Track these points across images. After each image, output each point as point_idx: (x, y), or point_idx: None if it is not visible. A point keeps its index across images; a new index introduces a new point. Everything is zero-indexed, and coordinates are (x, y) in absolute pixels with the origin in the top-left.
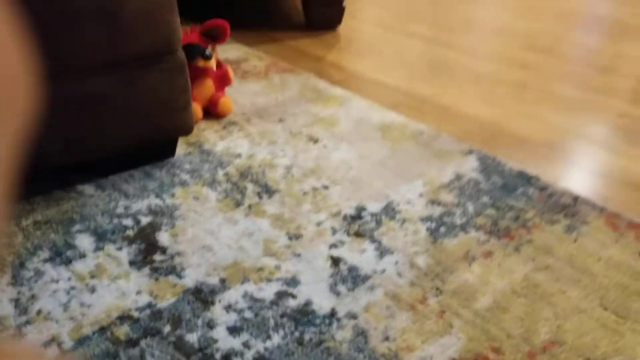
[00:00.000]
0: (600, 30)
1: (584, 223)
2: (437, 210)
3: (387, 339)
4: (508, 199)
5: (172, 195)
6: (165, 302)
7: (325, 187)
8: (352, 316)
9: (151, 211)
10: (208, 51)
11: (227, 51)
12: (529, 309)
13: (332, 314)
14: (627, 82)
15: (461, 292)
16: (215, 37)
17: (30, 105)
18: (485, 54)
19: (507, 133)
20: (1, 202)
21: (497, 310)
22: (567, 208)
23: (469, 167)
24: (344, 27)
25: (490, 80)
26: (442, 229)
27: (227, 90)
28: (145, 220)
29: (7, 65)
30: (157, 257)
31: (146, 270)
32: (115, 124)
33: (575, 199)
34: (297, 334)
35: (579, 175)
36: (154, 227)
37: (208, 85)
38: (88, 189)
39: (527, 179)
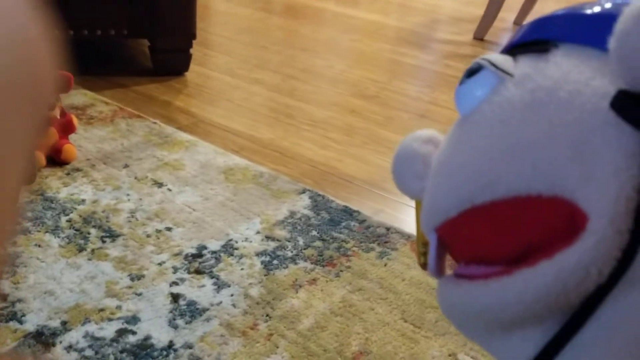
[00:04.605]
0: (420, 79)
1: (393, 249)
2: (271, 245)
3: None
4: (333, 232)
5: (13, 243)
6: (6, 347)
7: (169, 229)
8: (189, 346)
9: None
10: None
11: (73, 97)
12: (344, 325)
13: (170, 345)
14: (439, 126)
15: (288, 316)
16: (58, 88)
17: (50, 102)
18: (321, 101)
19: (336, 173)
20: (11, 202)
21: (317, 329)
22: (381, 237)
23: (302, 204)
24: (191, 74)
25: (325, 125)
26: (275, 262)
27: (72, 136)
28: None
29: (39, 60)
30: None
31: None
32: None
33: (388, 229)
34: None
35: (393, 209)
36: None
37: (51, 133)
38: None
39: (350, 214)
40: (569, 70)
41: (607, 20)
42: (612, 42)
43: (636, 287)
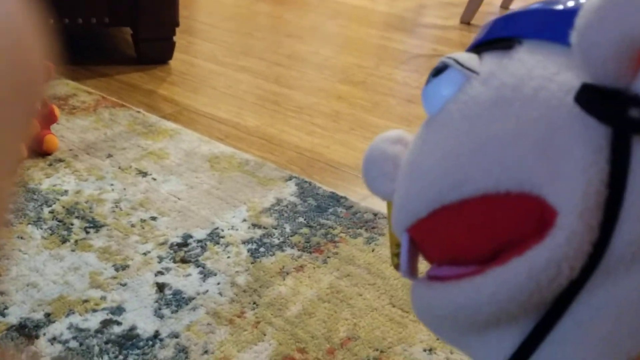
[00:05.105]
0: (407, 64)
1: (381, 235)
2: (258, 233)
3: (206, 352)
4: (320, 218)
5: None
6: None
7: (153, 219)
8: (175, 335)
9: None
10: None
11: (55, 87)
12: (331, 312)
13: (156, 335)
14: None
15: (275, 303)
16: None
17: (41, 95)
18: (307, 87)
19: (322, 159)
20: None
21: (305, 315)
22: (368, 223)
23: (288, 191)
24: (175, 62)
25: (311, 111)
26: (262, 249)
27: (55, 126)
28: None
29: (28, 53)
30: None
31: None
32: None
33: (375, 214)
34: (121, 357)
35: None
36: None
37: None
38: None
39: (337, 200)
40: (533, 66)
41: (570, 15)
42: (574, 36)
43: (609, 281)
